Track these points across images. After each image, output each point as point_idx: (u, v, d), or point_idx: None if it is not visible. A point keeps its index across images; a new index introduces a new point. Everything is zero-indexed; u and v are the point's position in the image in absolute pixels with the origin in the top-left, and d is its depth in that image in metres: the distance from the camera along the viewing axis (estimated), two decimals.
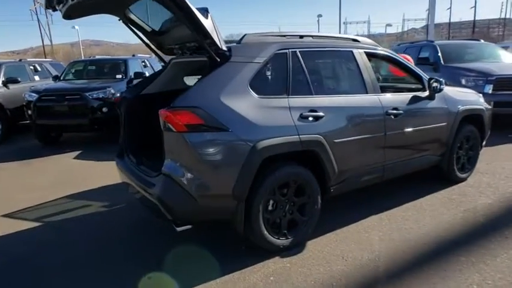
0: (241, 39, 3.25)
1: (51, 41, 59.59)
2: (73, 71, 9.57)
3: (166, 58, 4.22)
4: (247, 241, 3.21)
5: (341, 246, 3.34)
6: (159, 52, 4.09)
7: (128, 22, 3.74)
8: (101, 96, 7.48)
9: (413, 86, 4.54)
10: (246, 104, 2.95)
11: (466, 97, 4.75)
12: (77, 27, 50.68)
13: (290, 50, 3.33)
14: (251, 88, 3.02)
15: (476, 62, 8.40)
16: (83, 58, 16.49)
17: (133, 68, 9.17)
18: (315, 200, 3.36)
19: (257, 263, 3.11)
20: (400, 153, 4.01)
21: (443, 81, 4.17)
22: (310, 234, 3.43)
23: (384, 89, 4.00)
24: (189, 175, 2.80)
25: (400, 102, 3.93)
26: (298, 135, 3.10)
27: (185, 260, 3.21)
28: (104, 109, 7.45)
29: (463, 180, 4.87)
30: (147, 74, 9.18)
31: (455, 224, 3.71)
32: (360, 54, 3.77)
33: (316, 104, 3.30)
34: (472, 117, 4.74)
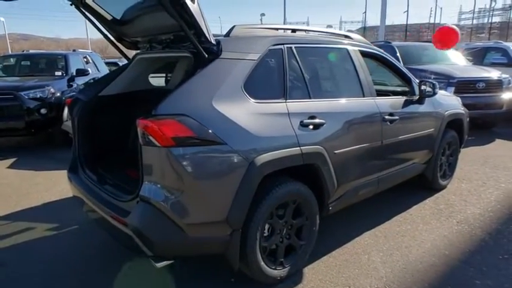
0: (230, 31, 2.71)
1: None
2: (2, 66, 8.39)
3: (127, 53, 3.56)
4: (236, 272, 2.67)
5: (343, 273, 2.91)
6: (119, 46, 3.41)
7: (82, 7, 3.04)
8: (38, 95, 6.52)
9: (400, 89, 4.25)
10: (242, 111, 2.42)
11: (449, 101, 4.55)
12: (2, 18, 46.48)
13: (285, 45, 2.84)
14: (245, 91, 2.50)
15: (432, 63, 8.42)
16: (10, 52, 14.72)
17: (75, 64, 8.17)
18: (313, 220, 2.91)
19: None
20: (393, 163, 3.69)
21: (437, 84, 3.90)
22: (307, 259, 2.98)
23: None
24: (174, 200, 2.21)
25: (394, 107, 3.60)
26: (300, 146, 2.63)
27: None
28: (43, 110, 6.51)
29: (444, 187, 4.69)
30: (90, 72, 8.29)
31: (454, 239, 3.44)
32: (355, 53, 3.38)
33: (315, 110, 2.84)
34: (454, 122, 4.55)
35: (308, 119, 2.74)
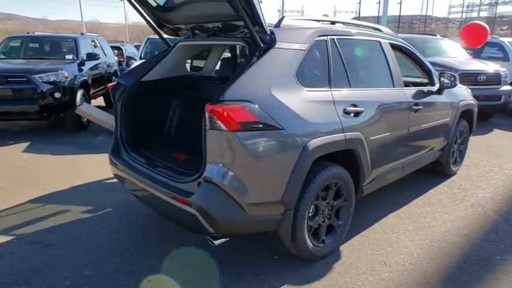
0: (280, 22, 2.84)
1: None
2: (9, 48, 8.25)
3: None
4: (281, 250, 2.87)
5: (377, 250, 3.13)
6: (160, 31, 3.51)
7: None
8: (52, 79, 6.47)
9: (419, 80, 4.46)
10: (296, 98, 2.59)
11: (462, 92, 4.77)
12: None
13: (329, 37, 3.00)
14: (297, 79, 2.66)
15: (436, 56, 8.63)
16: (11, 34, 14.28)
17: (84, 48, 8.10)
18: (351, 202, 3.12)
19: (298, 274, 2.79)
20: (416, 149, 3.92)
21: (457, 76, 4.11)
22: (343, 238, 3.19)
23: None
24: (237, 181, 2.37)
25: (418, 97, 3.80)
26: (344, 132, 2.81)
27: (212, 281, 2.76)
28: (56, 94, 6.46)
29: (455, 173, 4.95)
30: (101, 56, 8.31)
31: (471, 220, 3.70)
32: (386, 45, 3.56)
33: (355, 98, 3.02)
34: (466, 112, 4.79)
35: (350, 106, 2.92)
